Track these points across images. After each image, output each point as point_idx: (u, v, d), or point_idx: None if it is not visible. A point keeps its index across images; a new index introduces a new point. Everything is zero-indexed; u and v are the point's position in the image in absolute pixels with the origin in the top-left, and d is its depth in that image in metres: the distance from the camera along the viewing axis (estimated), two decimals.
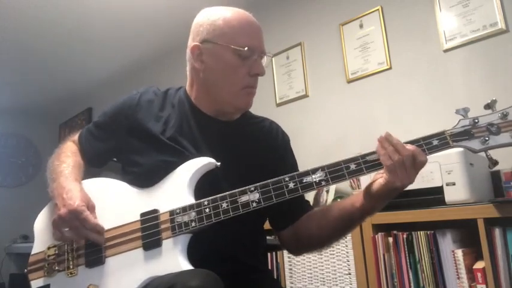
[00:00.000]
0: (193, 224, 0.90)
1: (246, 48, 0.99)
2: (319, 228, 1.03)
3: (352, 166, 0.89)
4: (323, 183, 0.89)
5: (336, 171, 0.89)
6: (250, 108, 1.09)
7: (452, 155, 1.55)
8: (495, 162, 0.87)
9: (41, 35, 3.20)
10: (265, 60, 1.06)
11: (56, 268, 0.97)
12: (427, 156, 0.87)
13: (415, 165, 0.85)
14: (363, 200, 0.94)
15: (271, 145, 1.12)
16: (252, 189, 0.91)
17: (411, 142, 0.88)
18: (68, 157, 1.10)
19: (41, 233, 1.03)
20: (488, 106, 0.87)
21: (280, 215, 1.08)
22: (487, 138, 0.85)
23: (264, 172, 0.95)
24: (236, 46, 0.99)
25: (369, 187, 0.93)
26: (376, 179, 0.91)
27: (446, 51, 2.06)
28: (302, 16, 2.72)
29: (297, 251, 1.16)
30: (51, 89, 4.31)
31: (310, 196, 2.27)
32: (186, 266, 0.86)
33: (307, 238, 1.07)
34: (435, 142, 0.88)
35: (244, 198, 0.90)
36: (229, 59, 1.00)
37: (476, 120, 0.87)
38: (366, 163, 0.89)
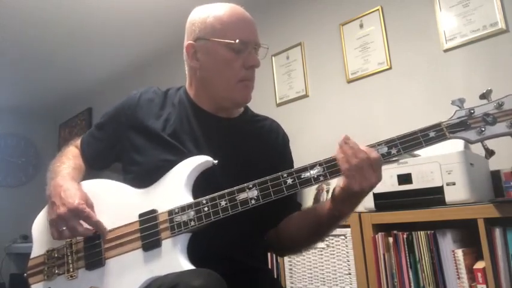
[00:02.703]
0: (192, 223, 0.89)
1: (237, 41, 0.99)
2: (298, 230, 1.04)
3: None
4: (321, 178, 0.89)
5: (333, 166, 0.89)
6: (249, 102, 1.09)
7: (453, 155, 1.55)
8: (492, 153, 0.86)
9: (41, 35, 3.21)
10: (261, 53, 1.06)
11: (56, 271, 0.96)
12: (424, 148, 0.87)
13: (372, 165, 0.84)
14: (330, 204, 0.94)
15: (272, 143, 1.12)
16: (251, 186, 0.90)
17: (408, 135, 0.88)
18: (68, 159, 1.11)
19: (40, 237, 1.02)
20: (483, 96, 0.87)
21: (265, 217, 1.07)
22: (483, 129, 0.85)
23: (263, 170, 0.95)
24: (228, 40, 1.00)
25: (333, 192, 0.92)
26: (339, 183, 0.91)
27: (446, 51, 2.06)
28: (302, 16, 2.71)
29: (280, 251, 1.17)
30: (51, 89, 4.31)
31: (310, 196, 2.27)
32: (187, 265, 0.86)
33: (288, 240, 1.07)
34: (432, 134, 0.87)
35: (242, 196, 0.90)
36: (223, 54, 1.01)
37: (472, 111, 0.87)
38: None
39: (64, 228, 0.92)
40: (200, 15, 1.06)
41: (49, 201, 0.98)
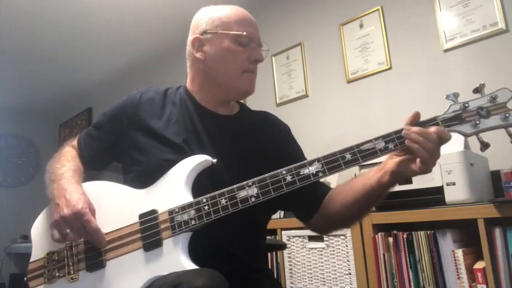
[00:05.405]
0: (193, 222, 0.89)
1: (244, 33, 1.04)
2: (346, 207, 1.02)
3: (348, 156, 0.90)
4: (320, 174, 0.90)
5: (332, 162, 0.90)
6: (252, 93, 1.10)
7: (453, 155, 1.55)
8: (487, 145, 0.88)
9: (41, 34, 3.21)
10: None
11: (57, 274, 0.96)
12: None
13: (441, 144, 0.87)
14: (389, 178, 0.93)
15: (273, 136, 1.13)
16: (250, 184, 0.91)
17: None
18: (68, 161, 1.10)
19: (39, 239, 1.02)
20: (477, 90, 0.89)
21: (302, 206, 1.09)
22: (477, 122, 0.86)
23: (268, 164, 0.95)
24: (236, 31, 1.04)
25: (397, 167, 0.91)
26: (401, 160, 0.90)
27: (446, 51, 2.06)
28: (302, 16, 2.72)
29: (326, 230, 1.19)
30: (51, 89, 4.31)
31: None
32: (189, 264, 0.85)
33: (336, 217, 1.06)
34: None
35: (242, 194, 0.90)
36: (229, 45, 1.04)
37: (467, 105, 0.88)
38: (360, 152, 0.89)
39: (68, 230, 0.91)
40: (207, 12, 1.10)
41: (52, 203, 0.97)
